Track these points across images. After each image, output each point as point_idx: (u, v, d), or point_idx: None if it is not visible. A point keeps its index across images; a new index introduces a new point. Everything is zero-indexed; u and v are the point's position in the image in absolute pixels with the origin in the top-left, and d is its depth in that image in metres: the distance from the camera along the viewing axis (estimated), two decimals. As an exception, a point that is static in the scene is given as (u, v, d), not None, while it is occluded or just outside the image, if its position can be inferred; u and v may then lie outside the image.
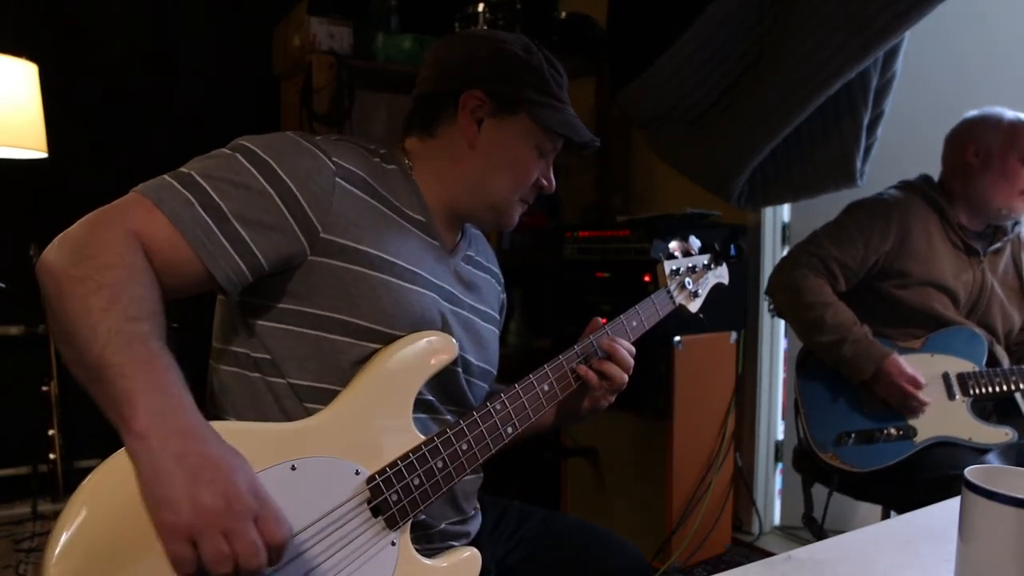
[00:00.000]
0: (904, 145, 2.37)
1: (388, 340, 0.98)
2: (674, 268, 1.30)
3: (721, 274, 1.40)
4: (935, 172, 1.94)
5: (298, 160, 0.96)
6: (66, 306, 0.78)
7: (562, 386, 1.11)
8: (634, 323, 1.22)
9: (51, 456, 2.64)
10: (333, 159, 0.99)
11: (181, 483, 0.71)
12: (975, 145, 1.82)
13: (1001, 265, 1.89)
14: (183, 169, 0.93)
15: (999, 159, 1.79)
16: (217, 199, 0.90)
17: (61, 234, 0.85)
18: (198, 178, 0.90)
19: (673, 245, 1.32)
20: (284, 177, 0.94)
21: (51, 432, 2.62)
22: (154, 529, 0.72)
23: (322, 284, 0.97)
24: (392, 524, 0.92)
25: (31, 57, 2.27)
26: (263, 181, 0.93)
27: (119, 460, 0.76)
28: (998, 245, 1.88)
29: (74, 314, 0.77)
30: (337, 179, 0.98)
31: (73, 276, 0.79)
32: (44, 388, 2.61)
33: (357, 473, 0.90)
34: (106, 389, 0.75)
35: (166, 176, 0.91)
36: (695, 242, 1.35)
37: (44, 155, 2.32)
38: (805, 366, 1.91)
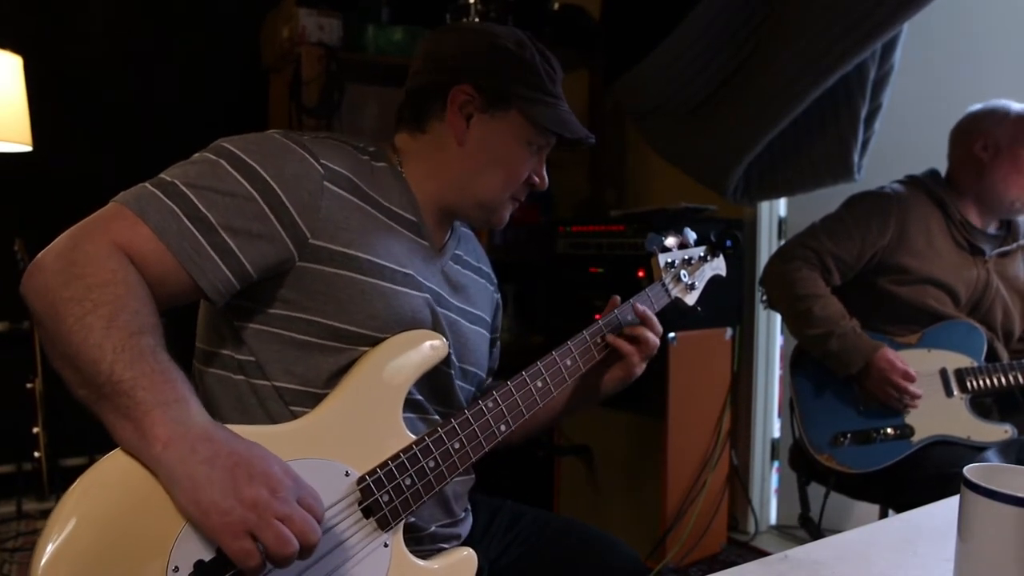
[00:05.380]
0: (902, 139, 2.34)
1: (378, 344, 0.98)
2: (669, 261, 1.28)
3: (718, 266, 1.38)
4: (933, 166, 1.91)
5: (285, 164, 0.94)
6: (64, 329, 0.77)
7: (556, 381, 1.09)
8: (629, 317, 1.20)
9: (36, 454, 2.63)
10: (321, 161, 0.97)
11: (222, 485, 0.73)
12: (983, 139, 1.79)
13: (1012, 269, 1.86)
14: (165, 177, 0.90)
15: (1009, 151, 1.76)
16: (204, 209, 0.88)
17: (42, 252, 0.83)
18: (182, 187, 0.88)
19: (668, 238, 1.29)
20: (271, 182, 0.92)
21: (36, 430, 2.61)
22: (210, 534, 0.73)
23: (311, 290, 0.95)
24: (384, 525, 0.91)
25: (15, 49, 2.25)
26: (250, 188, 0.91)
27: (110, 463, 0.76)
28: (1008, 248, 1.85)
29: (75, 336, 0.76)
30: (326, 183, 0.96)
31: (66, 298, 0.78)
32: (29, 385, 2.60)
33: (347, 474, 0.90)
34: (120, 404, 0.75)
35: (147, 185, 0.89)
36: (690, 234, 1.33)
37: (28, 148, 2.29)
38: (799, 365, 1.89)
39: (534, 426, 1.25)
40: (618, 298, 1.21)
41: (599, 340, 1.15)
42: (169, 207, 0.87)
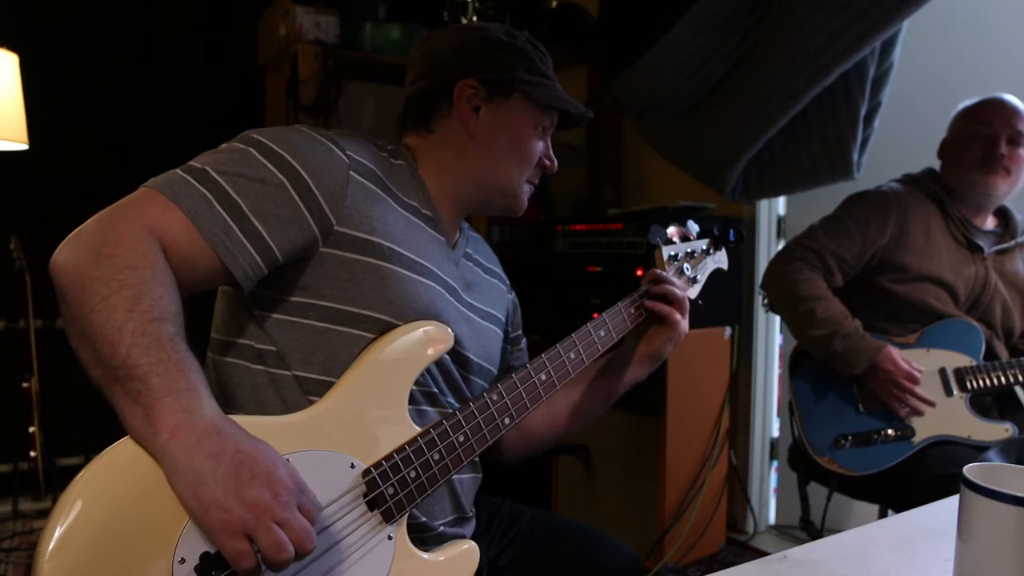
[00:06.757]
0: (902, 137, 2.33)
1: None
2: (672, 254, 1.28)
3: (720, 259, 1.37)
4: (932, 165, 1.91)
5: (312, 153, 0.97)
6: (87, 308, 0.77)
7: (560, 375, 1.09)
8: (632, 310, 1.21)
9: (32, 453, 2.62)
10: (347, 152, 1.00)
11: (225, 481, 0.72)
12: (943, 142, 1.88)
13: (1011, 266, 1.85)
14: (195, 164, 0.92)
15: (956, 142, 1.83)
16: (234, 195, 0.89)
17: (74, 232, 0.84)
18: (213, 173, 0.90)
19: (671, 230, 1.29)
20: (299, 170, 0.94)
21: (32, 429, 2.59)
22: (207, 531, 0.73)
23: (331, 275, 0.97)
24: (389, 518, 0.91)
25: (12, 47, 2.24)
26: (279, 175, 0.93)
27: (119, 451, 0.75)
28: (1006, 245, 1.84)
29: (97, 315, 0.77)
30: (351, 172, 0.99)
31: (95, 277, 0.78)
32: (25, 384, 2.58)
33: (352, 466, 0.90)
34: (132, 388, 0.75)
35: (178, 171, 0.91)
36: (693, 227, 1.33)
37: (25, 147, 2.28)
38: (798, 367, 1.88)
39: (558, 422, 1.30)
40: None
41: (602, 333, 1.15)
42: (201, 192, 0.88)
